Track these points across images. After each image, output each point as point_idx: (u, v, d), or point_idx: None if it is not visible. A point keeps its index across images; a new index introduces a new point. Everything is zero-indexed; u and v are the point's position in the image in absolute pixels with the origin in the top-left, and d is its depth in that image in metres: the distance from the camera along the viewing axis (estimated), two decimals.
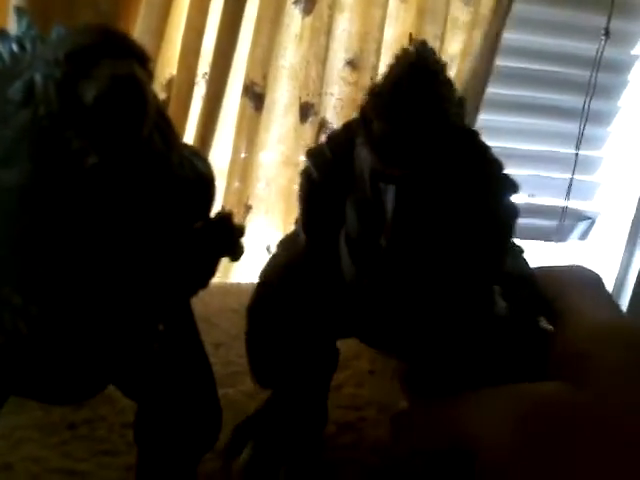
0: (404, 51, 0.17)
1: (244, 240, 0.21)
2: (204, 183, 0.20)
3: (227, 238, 0.21)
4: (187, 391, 0.22)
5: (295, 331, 0.22)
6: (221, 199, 0.68)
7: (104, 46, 0.16)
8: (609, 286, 0.92)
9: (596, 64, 0.83)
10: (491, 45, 0.71)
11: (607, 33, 0.81)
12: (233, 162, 0.69)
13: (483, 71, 0.72)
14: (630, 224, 0.94)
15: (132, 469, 0.23)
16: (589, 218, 0.97)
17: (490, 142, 0.19)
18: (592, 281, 0.23)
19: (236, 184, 0.70)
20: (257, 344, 0.24)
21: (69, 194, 0.16)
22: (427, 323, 0.19)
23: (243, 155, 0.70)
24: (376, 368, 0.33)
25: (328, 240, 0.20)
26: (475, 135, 0.18)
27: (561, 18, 0.83)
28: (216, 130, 0.66)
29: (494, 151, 0.19)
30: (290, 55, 0.68)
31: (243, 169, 0.70)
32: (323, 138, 0.76)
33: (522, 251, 0.22)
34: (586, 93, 0.85)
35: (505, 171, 0.19)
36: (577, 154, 0.88)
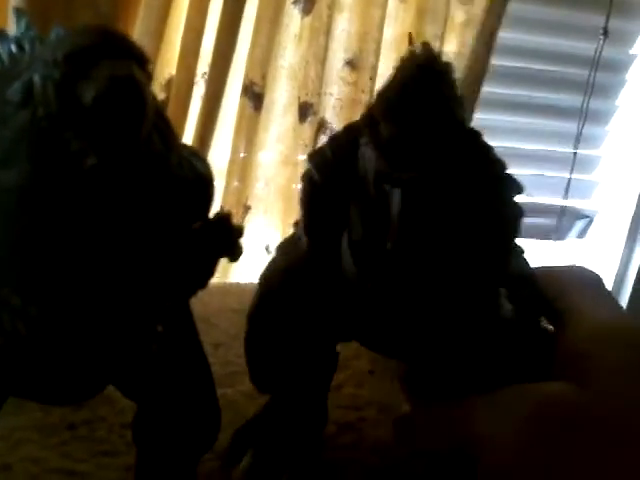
0: (411, 53, 0.17)
1: (243, 240, 0.21)
2: (203, 184, 0.20)
3: (226, 239, 0.21)
4: (186, 391, 0.22)
5: (296, 336, 0.22)
6: (220, 199, 0.68)
7: (103, 47, 0.16)
8: (608, 284, 0.92)
9: (595, 63, 0.83)
10: (487, 44, 0.71)
11: (606, 32, 0.81)
12: (232, 162, 0.69)
13: (479, 70, 0.72)
14: (629, 222, 0.94)
15: (131, 469, 0.23)
16: (588, 217, 0.97)
17: (490, 142, 0.19)
18: (593, 281, 0.23)
19: (235, 184, 0.70)
20: (257, 349, 0.23)
21: (68, 195, 0.16)
22: (432, 326, 0.19)
23: (242, 155, 0.70)
24: (376, 368, 0.33)
25: (330, 243, 0.19)
26: (478, 135, 0.18)
27: (560, 17, 0.83)
28: (215, 130, 0.66)
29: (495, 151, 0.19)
30: (289, 55, 0.68)
31: (242, 169, 0.70)
32: (322, 138, 0.77)
33: (522, 251, 0.22)
34: (585, 92, 0.85)
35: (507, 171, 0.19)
36: (575, 153, 0.88)
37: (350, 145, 0.19)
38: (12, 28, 0.20)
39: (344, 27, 0.69)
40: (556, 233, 0.92)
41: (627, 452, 0.18)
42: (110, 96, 0.16)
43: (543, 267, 0.23)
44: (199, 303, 0.22)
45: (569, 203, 0.92)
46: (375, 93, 0.18)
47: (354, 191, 0.18)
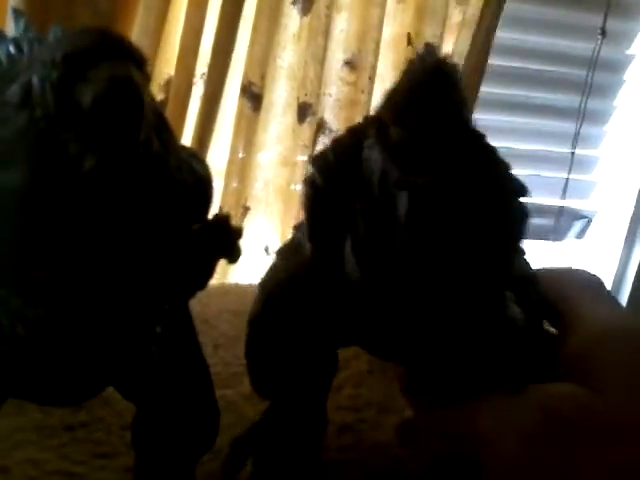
0: (418, 56, 0.17)
1: (242, 242, 0.21)
2: (202, 185, 0.20)
3: (224, 240, 0.21)
4: (185, 393, 0.22)
5: (299, 342, 0.22)
6: (219, 200, 0.68)
7: (101, 48, 0.16)
8: (607, 285, 0.92)
9: (592, 63, 0.83)
10: (485, 44, 0.71)
11: (603, 32, 0.82)
12: (231, 162, 0.69)
13: (478, 70, 0.72)
14: (628, 222, 0.94)
15: (130, 471, 0.23)
16: (586, 217, 0.97)
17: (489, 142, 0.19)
18: (594, 284, 0.23)
19: (234, 185, 0.70)
20: (259, 355, 0.23)
21: (66, 196, 0.16)
22: (437, 330, 0.18)
23: (241, 155, 0.70)
24: (374, 368, 0.33)
25: (334, 247, 0.19)
26: (482, 137, 0.18)
27: (557, 17, 0.83)
28: (214, 131, 0.66)
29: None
30: (288, 55, 0.68)
31: (241, 169, 0.70)
32: (321, 138, 0.76)
33: (524, 252, 0.22)
34: (582, 92, 0.85)
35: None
36: (573, 153, 0.88)
37: (353, 148, 0.19)
38: (11, 29, 0.20)
39: (343, 27, 0.69)
40: (554, 234, 0.92)
41: (631, 452, 0.18)
42: (108, 98, 0.15)
43: (542, 269, 0.23)
44: (198, 304, 0.22)
45: (567, 203, 0.92)
46: (381, 94, 0.18)
47: (358, 194, 0.18)
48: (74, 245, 0.17)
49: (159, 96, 0.62)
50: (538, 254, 0.90)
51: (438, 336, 0.19)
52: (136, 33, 0.59)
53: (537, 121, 0.88)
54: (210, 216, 0.21)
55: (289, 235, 0.23)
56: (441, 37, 0.71)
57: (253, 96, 0.67)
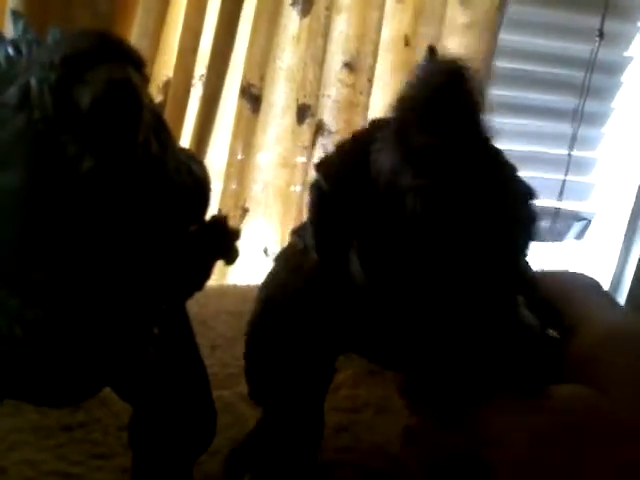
0: (432, 60, 0.17)
1: (239, 243, 0.21)
2: (200, 187, 0.20)
3: (222, 241, 0.21)
4: (182, 394, 0.22)
5: (299, 350, 0.22)
6: (218, 201, 0.68)
7: (100, 50, 0.16)
8: (605, 286, 0.92)
9: (590, 65, 0.83)
10: (489, 46, 0.72)
11: (601, 34, 0.82)
12: (230, 164, 0.69)
13: (483, 72, 0.72)
14: (626, 224, 0.95)
15: (127, 472, 0.23)
16: (585, 219, 0.97)
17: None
18: (593, 287, 0.23)
19: (233, 186, 0.70)
20: (259, 362, 0.23)
21: (65, 198, 0.16)
22: (446, 337, 0.18)
23: (240, 157, 0.70)
24: (376, 368, 0.33)
25: (339, 253, 0.19)
26: (489, 139, 0.18)
27: (555, 19, 0.83)
28: (213, 132, 0.66)
29: None
30: (287, 57, 0.68)
31: (240, 171, 0.70)
32: (320, 140, 0.76)
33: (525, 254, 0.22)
34: (580, 94, 0.85)
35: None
36: (570, 155, 0.88)
37: (358, 153, 0.18)
38: (9, 31, 0.20)
39: (342, 29, 0.69)
40: (553, 235, 0.92)
41: (638, 452, 0.18)
42: (106, 100, 0.16)
43: (540, 271, 0.23)
44: (196, 305, 0.22)
45: (566, 205, 0.92)
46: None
47: (364, 198, 0.18)
48: (72, 246, 0.17)
49: (158, 97, 0.62)
50: (537, 254, 0.90)
51: (447, 342, 0.18)
52: (135, 35, 0.59)
53: (535, 123, 0.88)
54: (208, 217, 0.21)
55: (288, 237, 0.23)
56: (439, 38, 0.71)
57: (252, 97, 0.68)
